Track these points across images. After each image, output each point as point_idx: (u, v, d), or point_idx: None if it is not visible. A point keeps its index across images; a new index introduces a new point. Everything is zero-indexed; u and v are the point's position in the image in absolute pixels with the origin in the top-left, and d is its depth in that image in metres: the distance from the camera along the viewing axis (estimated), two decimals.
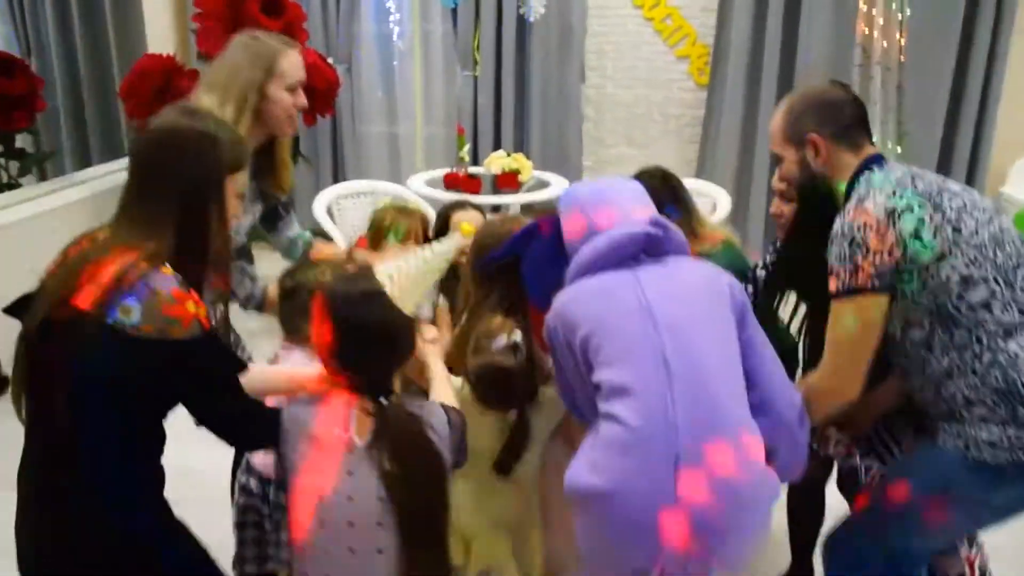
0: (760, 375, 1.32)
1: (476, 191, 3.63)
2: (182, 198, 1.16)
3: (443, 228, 2.01)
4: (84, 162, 4.32)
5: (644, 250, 1.36)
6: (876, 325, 1.39)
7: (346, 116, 4.38)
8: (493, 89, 4.26)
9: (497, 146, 4.33)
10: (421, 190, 3.59)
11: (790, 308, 1.79)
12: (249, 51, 1.68)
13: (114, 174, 4.00)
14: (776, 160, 1.61)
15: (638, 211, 1.39)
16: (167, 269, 1.13)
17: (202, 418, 1.21)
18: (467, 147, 3.79)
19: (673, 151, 4.36)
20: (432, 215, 3.53)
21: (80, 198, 3.70)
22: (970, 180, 3.99)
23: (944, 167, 3.99)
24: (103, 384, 1.10)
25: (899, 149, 3.99)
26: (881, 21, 3.87)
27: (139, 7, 4.01)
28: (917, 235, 1.36)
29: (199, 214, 1.18)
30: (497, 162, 3.71)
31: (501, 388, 1.42)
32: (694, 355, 1.25)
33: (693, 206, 1.99)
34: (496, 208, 3.81)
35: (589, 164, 4.45)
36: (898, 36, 3.88)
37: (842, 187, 1.50)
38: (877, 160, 1.48)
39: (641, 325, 1.26)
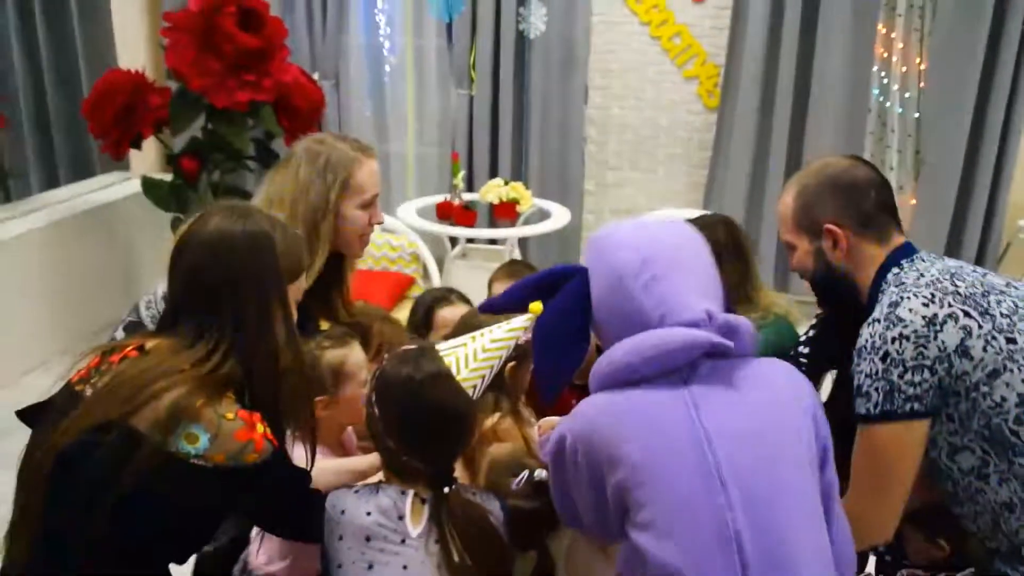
0: (832, 523, 1.05)
1: (471, 223, 3.39)
2: (240, 312, 1.06)
3: (426, 323, 1.74)
4: (51, 182, 4.06)
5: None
6: (915, 455, 1.16)
7: None
8: (490, 109, 4.01)
9: (494, 169, 4.09)
10: (412, 221, 3.34)
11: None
12: (319, 162, 1.44)
13: (84, 196, 3.76)
14: (787, 248, 1.38)
15: (701, 295, 1.06)
16: (230, 395, 1.05)
17: (273, 529, 1.19)
18: (462, 174, 3.54)
19: (680, 176, 4.13)
20: (424, 252, 3.31)
21: (49, 223, 3.45)
22: (989, 213, 3.79)
23: (963, 199, 3.79)
24: (144, 519, 1.00)
25: (915, 180, 3.80)
26: (901, 44, 3.67)
27: (108, 18, 3.74)
28: (964, 350, 1.13)
29: (262, 329, 1.08)
30: (494, 191, 3.46)
31: (523, 532, 1.20)
32: (775, 530, 0.95)
33: (754, 267, 1.75)
34: (492, 242, 3.57)
35: (591, 188, 4.21)
36: (918, 60, 3.68)
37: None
38: (907, 252, 1.26)
39: (702, 481, 0.95)
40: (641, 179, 4.17)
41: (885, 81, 3.69)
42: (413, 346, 1.21)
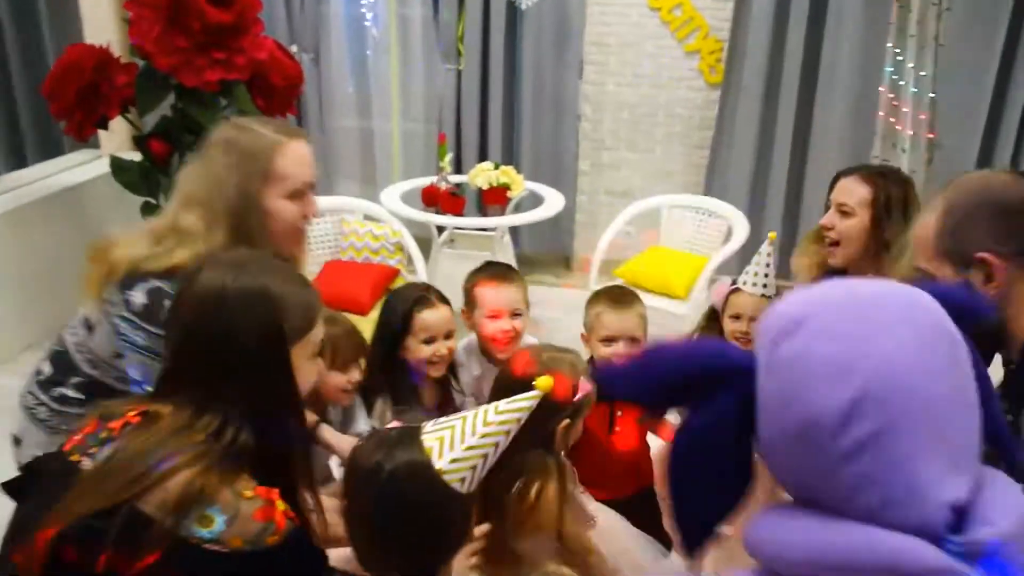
0: None
1: (459, 211, 3.21)
2: (242, 377, 0.97)
3: (404, 327, 1.59)
4: (19, 162, 3.88)
5: None
6: None
7: (313, 113, 3.91)
8: (479, 85, 3.79)
9: (483, 149, 3.89)
10: (396, 208, 3.16)
11: None
12: (235, 150, 1.28)
13: (52, 177, 3.56)
14: (924, 277, 1.17)
15: (950, 465, 0.62)
16: (246, 471, 0.96)
17: None
18: (449, 156, 3.35)
19: (679, 157, 3.94)
20: (409, 243, 3.13)
21: (14, 207, 3.26)
22: None
23: None
24: None
25: (928, 164, 3.61)
26: (917, 19, 3.44)
27: None
28: None
29: (265, 395, 0.98)
30: (483, 175, 3.27)
31: None
32: None
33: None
34: (482, 228, 3.39)
35: (585, 168, 4.01)
36: (935, 37, 3.45)
37: None
38: None
39: None
40: (638, 159, 3.97)
41: (900, 58, 3.47)
42: (396, 425, 1.03)
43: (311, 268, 3.09)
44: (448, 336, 1.62)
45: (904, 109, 3.52)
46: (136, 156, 3.31)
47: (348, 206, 3.23)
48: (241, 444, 0.96)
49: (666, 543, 2.01)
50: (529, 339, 1.82)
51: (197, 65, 2.90)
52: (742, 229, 3.12)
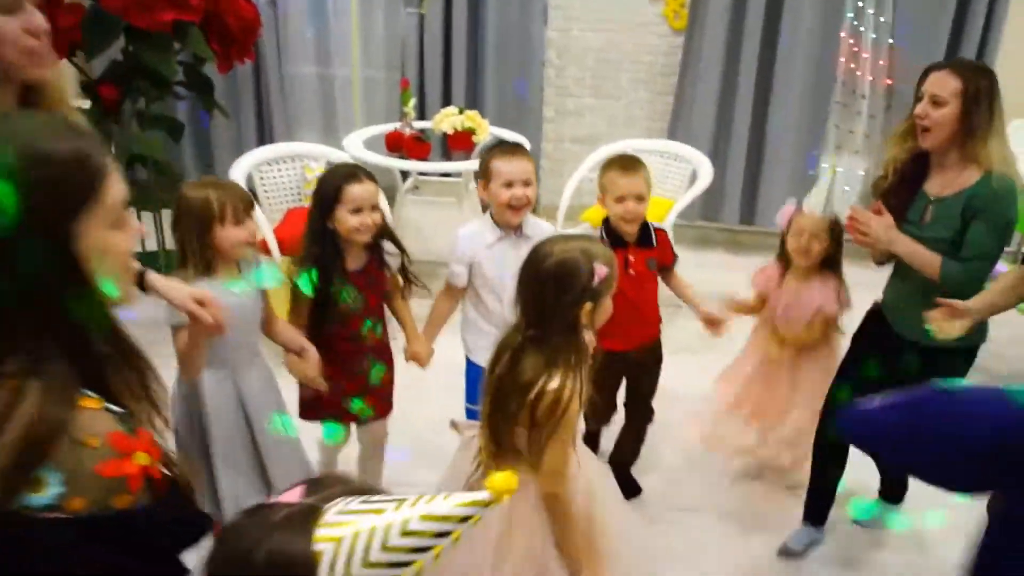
0: None
1: (424, 156, 3.17)
2: (11, 282, 0.73)
3: (332, 201, 1.74)
4: None
5: None
6: None
7: (271, 59, 3.79)
8: (442, 29, 3.71)
9: (447, 95, 3.83)
10: (360, 153, 3.11)
11: None
12: None
13: None
14: None
15: None
16: (91, 401, 0.75)
17: None
18: (412, 102, 3.29)
19: (644, 103, 3.93)
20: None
21: None
22: None
23: None
24: None
25: (886, 110, 3.67)
26: None
27: None
28: None
29: (51, 297, 0.75)
30: (448, 120, 3.23)
31: None
32: None
33: (1000, 122, 1.68)
34: (446, 175, 3.36)
35: (550, 115, 3.99)
36: None
37: None
38: None
39: None
40: (603, 106, 3.96)
41: (860, 4, 3.50)
42: (293, 501, 0.73)
43: (273, 215, 3.04)
44: (374, 208, 1.78)
45: (864, 55, 3.57)
46: (85, 103, 3.18)
47: (311, 153, 3.17)
48: (59, 366, 0.75)
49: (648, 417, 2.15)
50: (545, 225, 1.95)
51: (148, 5, 2.79)
52: (706, 172, 3.15)
